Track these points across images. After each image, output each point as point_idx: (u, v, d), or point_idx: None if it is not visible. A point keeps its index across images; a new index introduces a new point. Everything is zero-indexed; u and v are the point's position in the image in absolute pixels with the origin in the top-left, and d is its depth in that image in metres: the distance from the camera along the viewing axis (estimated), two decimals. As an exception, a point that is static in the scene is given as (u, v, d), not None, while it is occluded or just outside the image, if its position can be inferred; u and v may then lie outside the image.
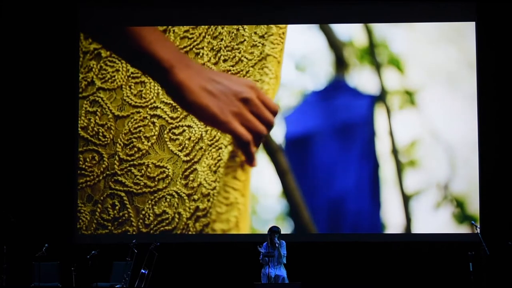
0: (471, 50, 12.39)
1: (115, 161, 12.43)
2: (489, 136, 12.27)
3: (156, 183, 12.35)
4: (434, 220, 12.23)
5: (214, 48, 12.50)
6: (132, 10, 12.80)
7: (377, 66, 12.44)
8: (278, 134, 12.43)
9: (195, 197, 12.29)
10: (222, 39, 12.51)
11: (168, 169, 12.33)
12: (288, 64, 12.53)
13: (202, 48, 12.52)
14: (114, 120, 12.52)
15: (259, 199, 12.42)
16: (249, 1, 12.76)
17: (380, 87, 12.42)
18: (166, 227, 12.28)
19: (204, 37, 12.56)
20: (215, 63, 12.45)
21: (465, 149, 12.29)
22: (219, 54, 12.48)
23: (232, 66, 12.44)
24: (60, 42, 12.73)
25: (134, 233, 12.27)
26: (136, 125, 12.48)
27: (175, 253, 12.32)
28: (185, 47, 12.53)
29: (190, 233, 12.22)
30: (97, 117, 12.53)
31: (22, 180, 12.57)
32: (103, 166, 12.45)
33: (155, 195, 12.34)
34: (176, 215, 12.29)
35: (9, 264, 11.61)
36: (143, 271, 11.24)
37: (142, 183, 12.38)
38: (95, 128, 12.53)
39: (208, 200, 12.24)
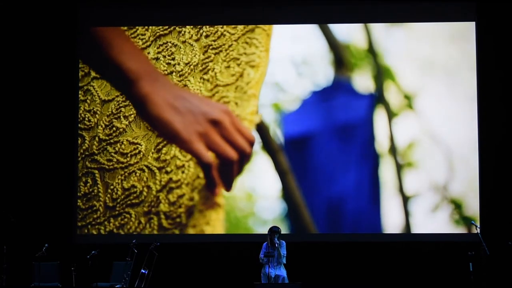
0: (471, 50, 12.39)
1: (95, 142, 12.46)
2: (489, 136, 12.27)
3: (128, 159, 12.35)
4: (433, 220, 12.24)
5: (196, 25, 12.53)
6: (132, 10, 12.81)
7: (377, 66, 12.44)
8: (278, 134, 12.43)
9: (168, 169, 12.25)
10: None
11: (141, 145, 12.32)
12: (288, 64, 12.53)
13: (185, 26, 12.52)
14: (101, 105, 12.53)
15: (259, 200, 12.42)
16: (246, 1, 12.75)
17: (379, 87, 12.42)
18: (134, 201, 12.26)
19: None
20: (197, 40, 12.44)
21: (465, 149, 12.29)
22: (201, 31, 12.47)
23: (214, 41, 12.42)
24: (59, 36, 12.74)
25: (100, 208, 12.27)
26: (118, 106, 12.48)
27: (175, 253, 12.32)
28: (168, 27, 12.53)
29: (161, 205, 12.17)
30: (86, 104, 12.53)
31: (22, 180, 12.57)
32: (84, 148, 12.46)
33: (126, 170, 12.33)
34: (145, 189, 12.26)
35: (9, 264, 11.61)
36: (143, 271, 11.24)
37: (114, 160, 12.38)
38: (82, 114, 12.54)
39: (183, 172, 12.20)
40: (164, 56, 12.47)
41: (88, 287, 11.33)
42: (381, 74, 12.43)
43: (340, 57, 12.51)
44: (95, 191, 12.39)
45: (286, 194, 12.40)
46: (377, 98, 12.43)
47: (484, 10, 12.38)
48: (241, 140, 12.21)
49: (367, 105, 12.44)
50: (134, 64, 12.43)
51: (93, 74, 12.61)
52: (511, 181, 12.22)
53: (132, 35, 12.60)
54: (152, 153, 12.29)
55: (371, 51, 12.47)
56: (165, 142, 12.29)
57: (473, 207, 12.17)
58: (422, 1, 12.45)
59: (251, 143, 12.25)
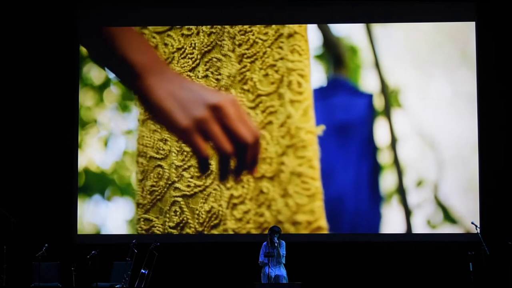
0: (471, 50, 12.39)
1: (173, 170, 12.35)
2: (489, 136, 12.27)
3: (204, 181, 12.29)
4: (433, 220, 12.23)
5: (231, 35, 12.44)
6: (133, 10, 12.82)
7: (376, 66, 12.43)
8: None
9: (228, 185, 12.24)
10: (214, 27, 12.50)
11: (211, 164, 12.27)
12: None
13: (224, 39, 12.45)
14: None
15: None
16: (248, 1, 12.76)
17: (379, 87, 12.42)
18: (214, 221, 12.22)
19: (224, 27, 12.51)
20: (233, 50, 12.37)
21: (465, 149, 12.29)
22: (234, 40, 12.41)
23: (247, 49, 12.34)
24: (59, 41, 12.75)
25: (193, 233, 12.27)
26: None
27: (175, 253, 12.32)
28: (211, 42, 12.44)
29: (228, 222, 12.14)
30: (158, 133, 12.44)
31: (22, 180, 12.57)
32: (165, 177, 12.37)
33: (204, 192, 12.27)
34: (220, 208, 12.24)
35: (9, 264, 11.61)
36: (143, 271, 11.24)
37: (192, 184, 12.31)
38: (156, 144, 12.42)
39: (243, 187, 12.17)
40: (212, 73, 12.39)
41: (88, 287, 11.34)
42: (380, 74, 12.42)
43: (340, 57, 12.50)
44: (185, 219, 12.32)
45: (286, 194, 12.40)
46: (377, 97, 12.42)
47: (484, 10, 12.38)
48: (244, 130, 12.18)
49: (366, 104, 12.44)
50: (139, 57, 12.44)
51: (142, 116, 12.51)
52: (511, 181, 12.22)
53: (182, 55, 12.47)
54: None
55: (371, 51, 12.46)
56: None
57: (474, 206, 12.17)
58: (422, 1, 12.45)
59: (256, 137, 12.21)
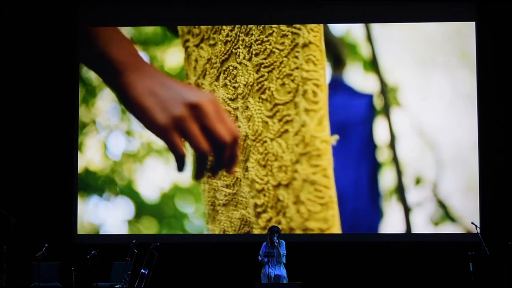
0: (471, 50, 12.39)
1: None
2: (489, 136, 12.27)
3: (231, 189, 12.27)
4: (433, 220, 12.24)
5: (247, 44, 12.42)
6: (133, 10, 12.83)
7: (376, 66, 12.43)
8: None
9: (252, 194, 12.25)
10: (252, 34, 12.41)
11: (236, 171, 12.28)
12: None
13: (238, 47, 12.44)
14: None
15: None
16: (247, 1, 12.75)
17: (379, 87, 12.42)
18: (245, 229, 12.24)
19: (238, 36, 12.50)
20: (249, 59, 12.34)
21: (465, 149, 12.29)
22: (251, 49, 12.40)
23: (265, 59, 12.32)
24: (59, 40, 12.76)
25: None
26: None
27: (175, 253, 12.32)
28: (227, 50, 12.43)
29: (254, 230, 12.16)
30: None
31: (22, 180, 12.57)
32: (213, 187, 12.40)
33: (235, 200, 12.26)
34: (247, 215, 12.24)
35: (9, 264, 11.61)
36: (143, 271, 11.24)
37: (223, 193, 12.30)
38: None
39: (264, 195, 12.16)
40: (230, 81, 12.37)
41: (88, 287, 11.34)
42: (380, 74, 12.43)
43: (338, 55, 12.50)
44: (224, 226, 12.26)
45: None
46: (376, 97, 12.42)
47: (484, 10, 12.38)
48: (222, 129, 12.22)
49: (366, 104, 12.44)
50: (119, 54, 12.49)
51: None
52: (511, 181, 12.22)
53: (211, 66, 12.43)
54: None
55: (371, 51, 12.46)
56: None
57: (473, 206, 12.17)
58: (422, 1, 12.45)
59: (234, 137, 12.23)
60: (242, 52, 12.34)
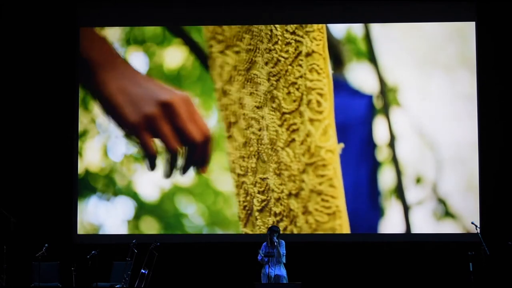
0: (471, 50, 12.39)
1: (252, 185, 12.31)
2: (489, 136, 12.27)
3: (266, 195, 12.25)
4: (433, 220, 12.24)
5: (261, 53, 12.38)
6: (133, 10, 12.83)
7: (375, 66, 12.43)
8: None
9: (272, 202, 12.21)
10: (262, 41, 12.39)
11: (268, 178, 12.26)
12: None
13: (257, 55, 12.38)
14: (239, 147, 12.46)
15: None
16: (247, 1, 12.76)
17: (379, 87, 12.41)
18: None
19: (257, 44, 12.40)
20: (262, 68, 12.33)
21: (465, 149, 12.29)
22: (263, 58, 12.36)
23: (273, 67, 12.31)
24: (59, 39, 12.76)
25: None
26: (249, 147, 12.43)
27: (175, 253, 12.32)
28: (250, 59, 12.39)
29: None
30: (238, 151, 12.38)
31: (22, 180, 12.57)
32: (250, 193, 12.32)
33: (269, 206, 12.23)
34: (274, 221, 12.21)
35: (9, 264, 11.61)
36: (143, 271, 11.24)
37: (259, 199, 12.27)
38: (238, 162, 12.37)
39: (281, 204, 12.16)
40: (255, 90, 12.32)
41: (88, 287, 11.34)
42: (380, 74, 12.42)
43: (338, 55, 12.49)
44: (265, 231, 12.20)
45: (286, 194, 12.40)
46: (376, 97, 12.42)
47: (484, 10, 12.38)
48: (194, 129, 12.26)
49: (366, 104, 12.44)
50: (93, 52, 12.54)
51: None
52: (511, 181, 12.22)
53: (237, 73, 12.41)
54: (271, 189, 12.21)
55: (371, 51, 12.46)
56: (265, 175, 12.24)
57: (473, 206, 12.17)
58: (422, 1, 12.45)
59: (206, 136, 12.27)
60: (259, 61, 12.34)
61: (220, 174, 12.49)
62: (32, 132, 12.65)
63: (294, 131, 12.15)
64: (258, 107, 12.31)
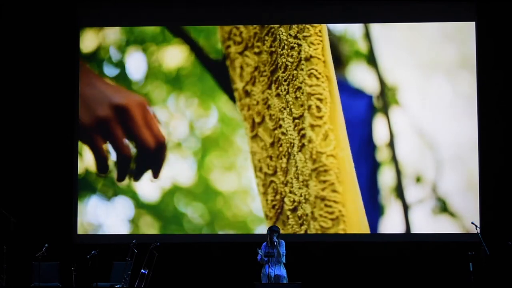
0: (471, 50, 12.39)
1: (282, 184, 12.26)
2: (489, 136, 12.27)
3: (301, 191, 12.20)
4: (433, 220, 12.23)
5: (275, 60, 12.39)
6: (133, 10, 12.84)
7: (375, 66, 12.43)
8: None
9: (295, 205, 12.22)
10: (273, 46, 12.42)
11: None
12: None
13: (279, 58, 12.38)
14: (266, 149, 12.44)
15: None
16: (247, 1, 12.76)
17: (379, 87, 12.41)
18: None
19: (278, 55, 12.41)
20: (272, 71, 12.35)
21: (465, 149, 12.29)
22: (274, 64, 12.35)
23: (283, 72, 12.29)
24: (59, 40, 12.76)
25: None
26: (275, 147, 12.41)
27: (175, 253, 12.32)
28: (274, 61, 12.34)
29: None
30: (265, 150, 12.36)
31: (22, 180, 12.57)
32: (279, 192, 12.27)
33: (301, 206, 12.20)
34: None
35: (9, 264, 11.61)
36: (143, 271, 11.24)
37: (292, 199, 12.23)
38: (265, 161, 12.36)
39: (301, 208, 12.11)
40: (281, 91, 12.29)
41: (88, 287, 11.34)
42: (380, 74, 12.42)
43: (339, 57, 12.49)
44: (297, 230, 12.16)
45: (286, 194, 12.40)
46: (376, 98, 12.42)
47: (484, 10, 12.38)
48: (148, 134, 12.30)
49: (366, 104, 12.43)
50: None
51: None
52: (511, 181, 12.22)
53: (260, 74, 12.41)
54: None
55: (371, 51, 12.46)
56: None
57: (473, 206, 12.17)
58: (422, 1, 12.45)
59: (160, 142, 12.32)
60: (279, 65, 12.35)
61: (220, 174, 12.50)
62: (32, 132, 12.65)
63: (303, 136, 12.14)
64: (283, 109, 12.28)
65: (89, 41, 12.83)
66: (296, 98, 12.16)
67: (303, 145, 12.11)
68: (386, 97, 12.41)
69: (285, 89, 12.24)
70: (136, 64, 12.76)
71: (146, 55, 12.76)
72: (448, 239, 12.14)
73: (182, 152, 12.58)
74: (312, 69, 12.13)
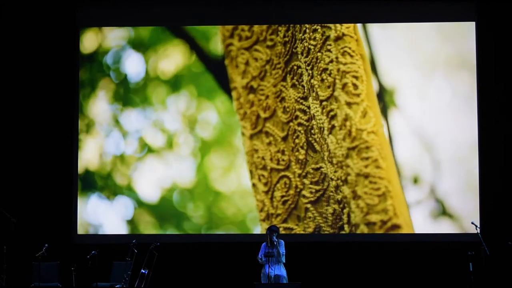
0: (471, 50, 12.39)
1: (296, 178, 12.26)
2: (489, 136, 12.27)
3: (321, 185, 12.22)
4: (433, 220, 12.23)
5: (297, 43, 12.37)
6: (133, 10, 12.84)
7: (374, 66, 12.43)
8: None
9: (331, 189, 12.18)
10: (298, 32, 12.41)
11: (323, 167, 12.23)
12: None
13: (297, 47, 12.35)
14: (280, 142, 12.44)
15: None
16: (247, 1, 12.77)
17: (377, 87, 12.41)
18: (339, 224, 12.15)
19: (294, 34, 12.39)
20: (286, 62, 12.36)
21: (465, 149, 12.29)
22: (297, 49, 12.35)
23: (306, 57, 12.28)
24: (59, 40, 12.76)
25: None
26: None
27: (175, 253, 12.32)
28: (288, 51, 12.39)
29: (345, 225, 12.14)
30: (272, 146, 12.36)
31: (22, 180, 12.57)
32: (293, 186, 12.27)
33: (325, 196, 12.19)
34: (340, 210, 12.17)
35: (9, 264, 11.61)
36: (143, 271, 11.24)
37: (313, 190, 12.28)
38: (274, 157, 12.34)
39: (340, 191, 12.06)
40: (297, 81, 12.32)
41: (88, 287, 11.34)
42: (379, 74, 12.42)
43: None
44: (319, 222, 12.17)
45: (286, 194, 12.40)
46: (376, 98, 12.41)
47: (484, 10, 12.38)
48: None
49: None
50: None
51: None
52: (511, 181, 12.22)
53: (272, 67, 12.42)
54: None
55: (371, 51, 12.45)
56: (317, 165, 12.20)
57: (473, 206, 12.17)
58: (421, 1, 12.45)
59: None
60: (298, 51, 12.33)
61: (220, 174, 12.50)
62: (32, 132, 12.65)
63: (332, 117, 12.13)
64: (302, 98, 12.27)
65: (89, 41, 12.84)
66: (322, 80, 12.16)
67: (333, 127, 12.11)
68: (384, 98, 12.40)
69: (309, 74, 12.22)
70: (136, 64, 12.76)
71: (146, 55, 12.76)
72: (448, 239, 12.13)
73: (182, 152, 12.58)
74: (346, 47, 12.16)
